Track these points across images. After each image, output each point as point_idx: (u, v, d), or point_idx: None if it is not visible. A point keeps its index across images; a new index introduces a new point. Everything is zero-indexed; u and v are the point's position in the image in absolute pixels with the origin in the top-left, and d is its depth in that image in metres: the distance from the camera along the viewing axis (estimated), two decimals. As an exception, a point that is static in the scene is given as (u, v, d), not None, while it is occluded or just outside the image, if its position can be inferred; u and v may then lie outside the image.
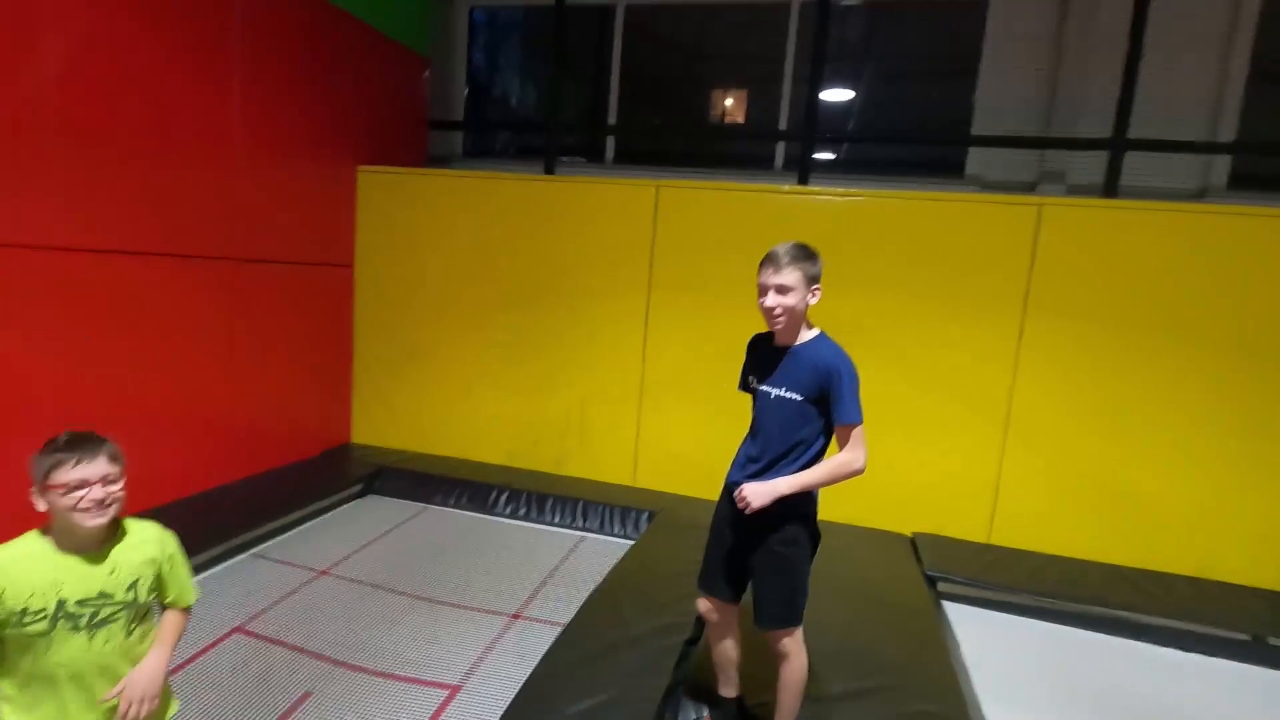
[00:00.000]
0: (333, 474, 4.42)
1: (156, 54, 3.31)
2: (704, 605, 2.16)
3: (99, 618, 1.43)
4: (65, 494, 1.38)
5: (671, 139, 5.53)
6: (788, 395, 1.89)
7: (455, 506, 4.35)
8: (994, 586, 3.48)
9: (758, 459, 1.97)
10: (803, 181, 4.60)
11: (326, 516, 4.08)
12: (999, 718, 2.57)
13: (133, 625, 1.50)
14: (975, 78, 4.64)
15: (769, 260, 1.91)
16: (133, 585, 1.48)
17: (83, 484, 1.39)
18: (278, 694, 2.47)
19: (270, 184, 4.07)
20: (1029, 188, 4.54)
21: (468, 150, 5.76)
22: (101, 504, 1.41)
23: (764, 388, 1.98)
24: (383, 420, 5.02)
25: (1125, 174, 4.23)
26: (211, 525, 3.42)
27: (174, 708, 1.64)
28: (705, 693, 2.38)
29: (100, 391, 3.21)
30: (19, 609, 1.35)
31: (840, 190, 4.08)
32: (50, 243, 2.94)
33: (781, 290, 1.88)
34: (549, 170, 5.12)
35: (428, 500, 4.39)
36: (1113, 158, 4.23)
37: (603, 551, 3.85)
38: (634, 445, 4.55)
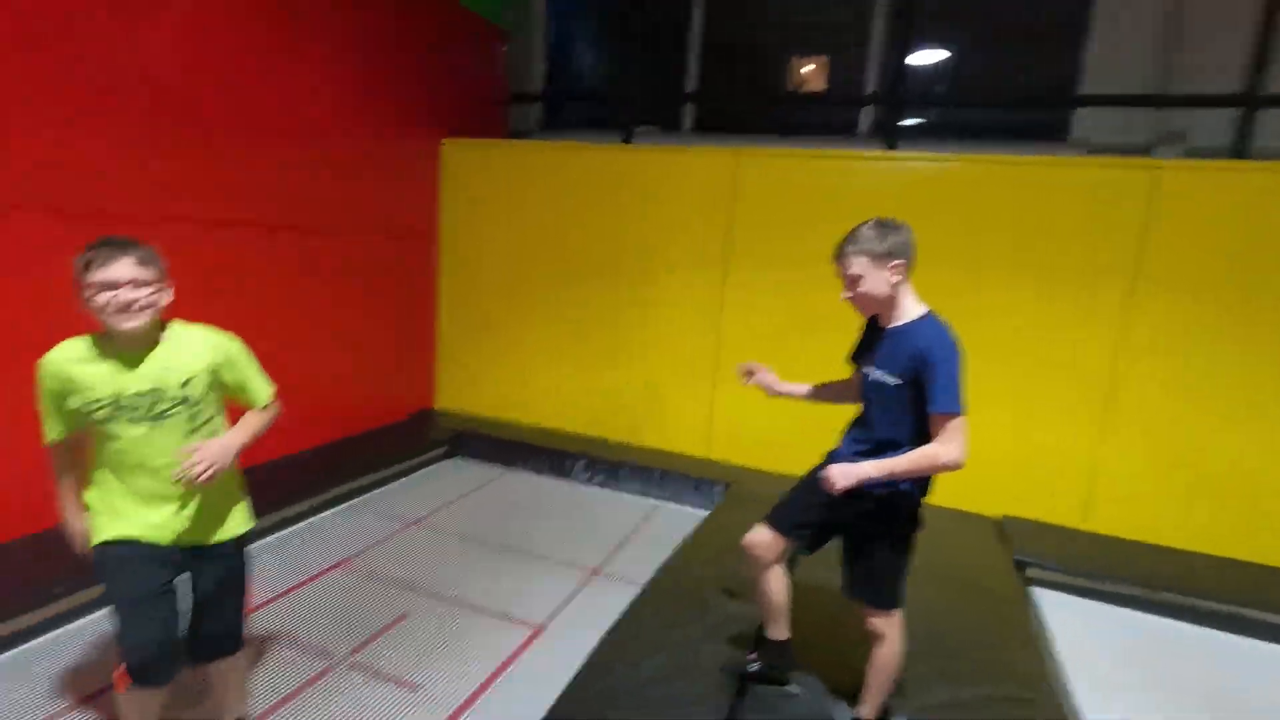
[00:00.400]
0: (419, 437, 4.62)
1: (259, 38, 3.48)
2: (761, 538, 2.10)
3: (156, 411, 1.55)
4: (96, 294, 1.45)
5: (752, 106, 5.39)
6: (884, 378, 1.82)
7: (533, 471, 4.49)
8: (1088, 574, 3.32)
9: (862, 440, 1.92)
10: (889, 147, 4.41)
11: (415, 475, 4.29)
12: (1094, 710, 2.46)
13: (195, 424, 1.61)
14: (1078, 35, 4.30)
15: (835, 254, 1.89)
16: (186, 383, 1.58)
17: (111, 285, 1.45)
18: (378, 613, 2.73)
19: (362, 158, 4.23)
20: (1142, 151, 4.20)
21: (546, 123, 5.79)
22: (128, 307, 1.47)
23: (864, 369, 1.93)
24: (464, 386, 5.19)
25: (1258, 135, 3.86)
26: (313, 478, 3.65)
27: (244, 520, 1.76)
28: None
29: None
30: (90, 397, 1.51)
31: (930, 155, 3.89)
32: (171, 215, 3.16)
33: (852, 282, 1.84)
34: (626, 140, 5.10)
35: (507, 464, 4.54)
36: (1244, 116, 3.85)
37: (678, 519, 3.89)
38: (708, 417, 4.55)
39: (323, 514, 3.59)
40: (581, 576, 3.19)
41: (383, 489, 4.02)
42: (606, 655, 2.30)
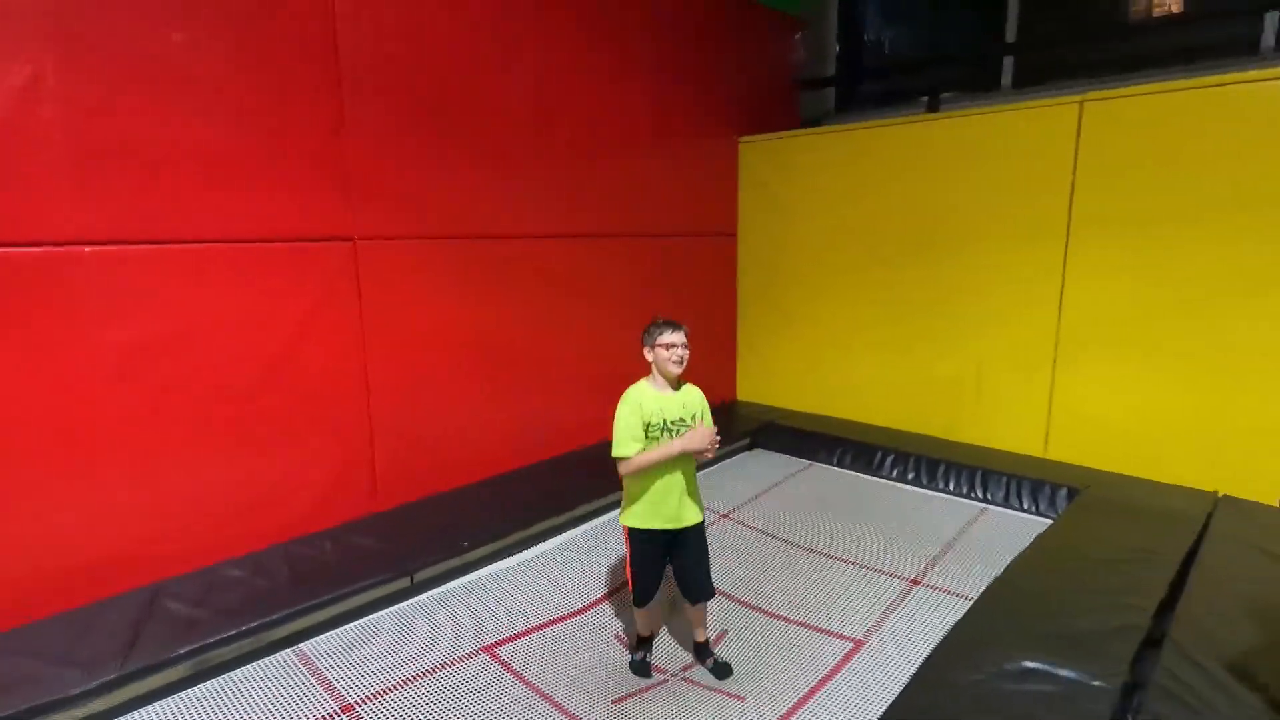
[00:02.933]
0: (722, 428, 4.73)
1: (591, 64, 3.95)
2: None
3: (678, 431, 2.34)
4: (666, 350, 2.35)
5: (1093, 46, 4.54)
6: None
7: (838, 465, 4.35)
8: None
9: None
10: (1313, 59, 3.37)
11: (719, 466, 4.42)
12: None
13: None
14: None
15: None
16: (694, 415, 2.38)
17: (671, 345, 2.35)
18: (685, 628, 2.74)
19: (666, 164, 4.54)
20: None
21: (840, 104, 5.60)
22: (680, 360, 2.36)
23: None
24: (764, 379, 5.26)
25: None
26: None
27: (700, 512, 2.43)
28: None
29: (551, 350, 4.01)
30: (653, 421, 2.34)
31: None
32: (520, 232, 3.75)
33: None
34: (932, 108, 4.68)
35: (811, 457, 4.47)
36: None
37: (1010, 526, 3.45)
38: (1045, 411, 3.95)
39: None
40: (900, 586, 2.99)
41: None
42: (939, 665, 2.13)
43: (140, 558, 2.65)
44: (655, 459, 2.30)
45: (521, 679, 2.44)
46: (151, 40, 2.49)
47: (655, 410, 2.35)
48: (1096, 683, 1.97)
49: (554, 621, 2.81)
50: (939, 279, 4.26)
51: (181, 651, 2.28)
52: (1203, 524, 3.00)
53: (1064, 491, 3.55)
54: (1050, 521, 3.22)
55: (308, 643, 2.54)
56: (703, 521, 2.47)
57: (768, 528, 3.58)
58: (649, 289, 4.52)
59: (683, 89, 4.56)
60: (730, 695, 2.39)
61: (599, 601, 2.97)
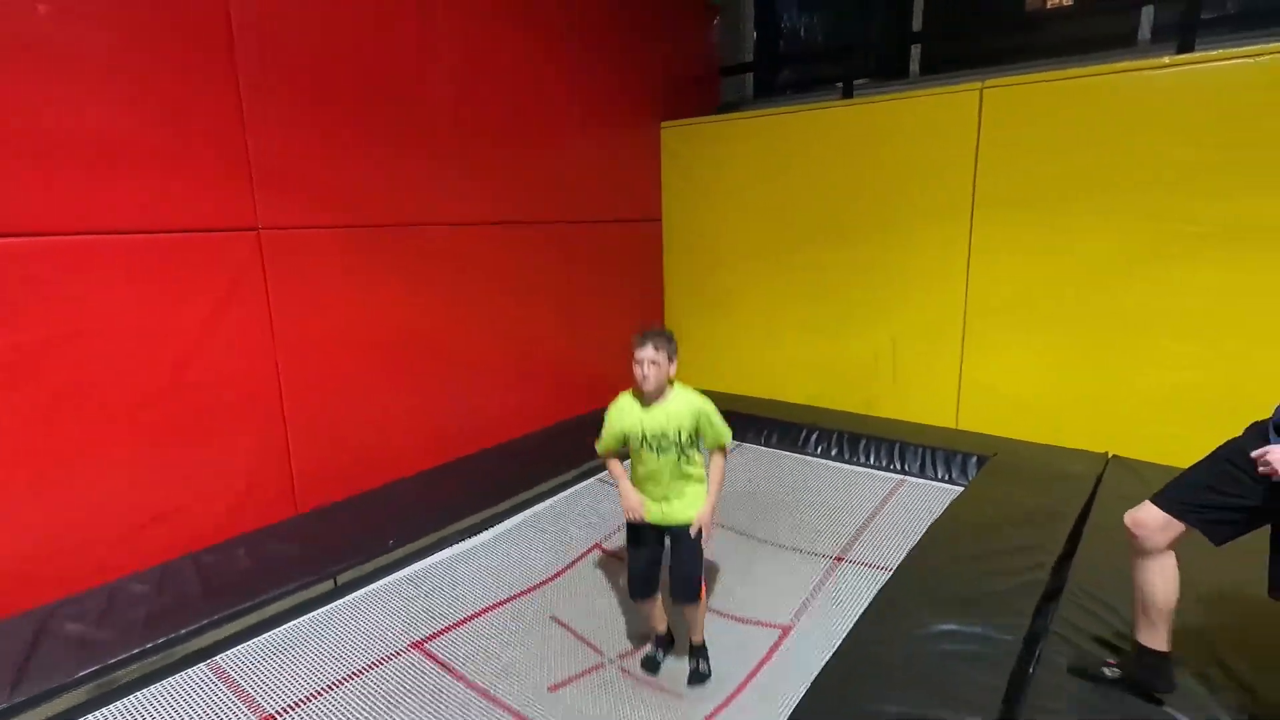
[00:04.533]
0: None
1: (505, 44, 3.85)
2: (1141, 517, 1.76)
3: (660, 446, 2.33)
4: (635, 365, 2.28)
5: (991, 35, 4.76)
6: None
7: (765, 444, 4.46)
8: None
9: None
10: (1184, 49, 3.63)
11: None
12: None
13: (681, 453, 2.34)
14: None
15: None
16: (678, 430, 2.32)
17: (636, 361, 2.27)
18: (633, 615, 2.79)
19: (590, 150, 4.51)
20: None
21: (759, 90, 5.68)
22: (642, 378, 2.28)
23: None
24: (692, 363, 5.32)
25: None
26: (562, 454, 4.00)
27: (687, 515, 2.38)
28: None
29: (477, 341, 3.94)
30: (628, 432, 2.36)
31: (1255, 50, 3.09)
32: (440, 219, 3.65)
33: None
34: (847, 94, 4.82)
35: (739, 438, 4.56)
36: None
37: (927, 495, 3.62)
38: (956, 384, 4.17)
39: (570, 489, 3.83)
40: (825, 565, 3.09)
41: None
42: (865, 633, 2.23)
43: (33, 577, 2.45)
44: (610, 473, 2.50)
45: (454, 673, 2.40)
46: (17, 18, 2.26)
47: (634, 423, 2.35)
48: (1003, 636, 2.11)
49: (488, 610, 2.79)
50: (856, 260, 4.41)
51: (80, 675, 2.13)
52: (1095, 483, 3.25)
53: (974, 460, 3.76)
54: (962, 489, 3.41)
55: (222, 655, 2.42)
56: (689, 529, 2.39)
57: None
58: (575, 276, 4.50)
59: (604, 73, 4.53)
60: (664, 691, 2.42)
61: (535, 588, 2.97)
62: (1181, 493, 1.71)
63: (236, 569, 2.71)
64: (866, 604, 2.43)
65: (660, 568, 2.47)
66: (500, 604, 2.84)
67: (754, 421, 4.54)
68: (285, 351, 3.06)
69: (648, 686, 2.43)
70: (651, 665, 2.52)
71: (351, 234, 3.26)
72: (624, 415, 2.39)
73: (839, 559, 3.14)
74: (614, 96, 4.64)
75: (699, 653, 2.50)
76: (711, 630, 2.61)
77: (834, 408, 4.62)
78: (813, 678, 2.02)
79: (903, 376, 4.37)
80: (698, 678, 2.45)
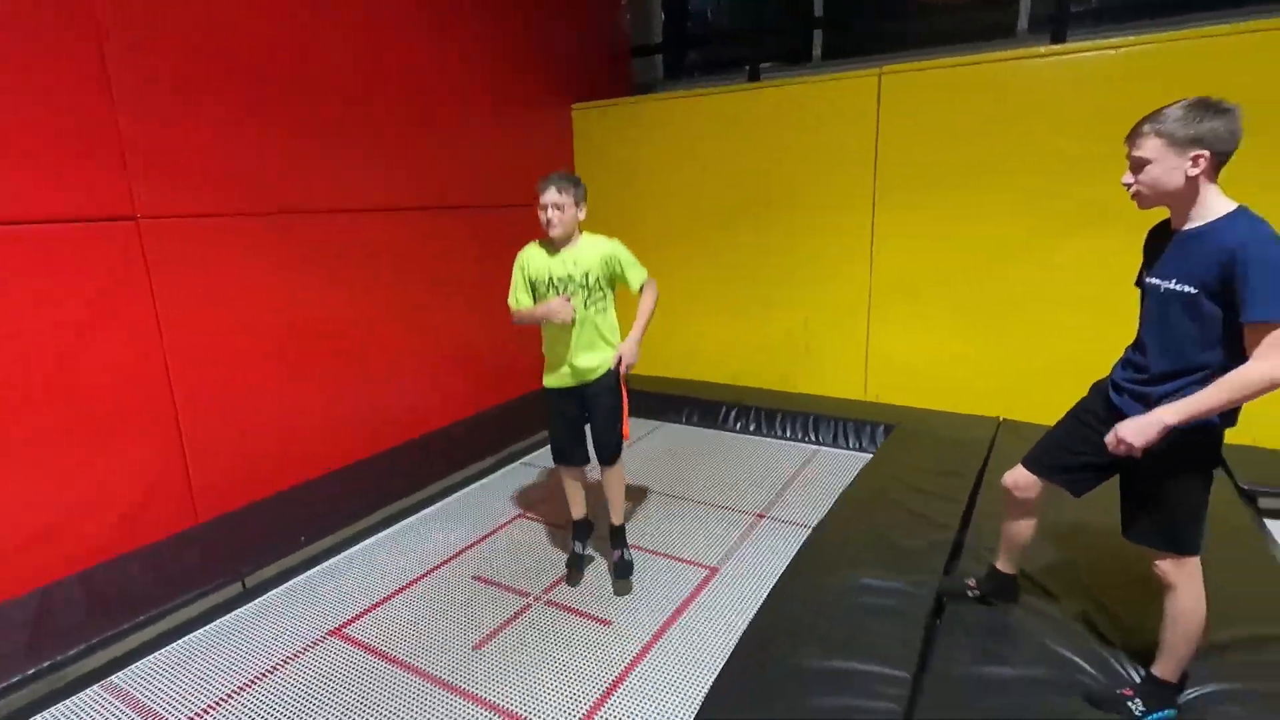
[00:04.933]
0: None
1: (408, 24, 3.69)
2: (1016, 478, 1.93)
3: (568, 290, 2.38)
4: (539, 210, 2.33)
5: (887, 22, 4.95)
6: (1177, 288, 1.53)
7: (687, 423, 4.55)
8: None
9: (1143, 369, 1.65)
10: (1057, 40, 3.91)
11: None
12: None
13: (591, 299, 2.42)
14: None
15: (1129, 132, 1.57)
16: (585, 274, 2.39)
17: (541, 206, 2.32)
18: (562, 558, 2.90)
19: (501, 132, 4.40)
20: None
21: (669, 72, 5.71)
22: (548, 223, 2.33)
23: (1150, 281, 1.63)
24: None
25: None
26: (482, 442, 3.95)
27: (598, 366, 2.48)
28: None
29: (388, 332, 3.80)
30: (536, 277, 2.42)
31: (1117, 42, 3.38)
32: (345, 205, 3.48)
33: (1137, 165, 1.55)
34: (753, 78, 4.91)
35: (660, 418, 4.64)
36: None
37: (840, 463, 3.81)
38: (864, 358, 4.37)
39: (495, 474, 3.85)
40: (748, 520, 3.23)
41: (543, 449, 4.24)
42: (786, 589, 2.33)
43: (-117, 610, 2.20)
44: (525, 318, 2.48)
45: (375, 652, 2.36)
46: None
47: (541, 268, 2.42)
48: (915, 591, 2.25)
49: (408, 586, 2.78)
50: (770, 241, 4.52)
51: (-49, 710, 1.94)
52: (989, 445, 3.49)
53: (881, 429, 3.96)
54: (872, 455, 3.59)
55: (119, 674, 2.26)
56: (611, 378, 2.49)
57: (629, 480, 3.64)
58: (489, 263, 4.36)
59: (513, 53, 4.42)
60: (597, 620, 2.48)
61: (455, 556, 2.99)
62: (1043, 454, 1.90)
63: (130, 584, 2.53)
64: (788, 556, 2.56)
65: (582, 435, 2.58)
66: (420, 578, 2.83)
67: (675, 401, 4.62)
68: (177, 350, 2.85)
69: (577, 621, 2.48)
70: (575, 563, 2.66)
71: (246, 222, 3.06)
72: (530, 262, 2.44)
73: (760, 515, 3.28)
74: (524, 77, 4.54)
75: (620, 541, 2.67)
76: (643, 564, 2.78)
77: (753, 385, 4.75)
78: (738, 622, 2.12)
79: (816, 353, 4.54)
80: (623, 568, 2.59)
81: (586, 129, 5.02)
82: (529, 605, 2.59)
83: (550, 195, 2.31)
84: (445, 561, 2.95)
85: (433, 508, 3.45)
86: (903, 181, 3.99)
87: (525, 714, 2.05)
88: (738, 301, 4.73)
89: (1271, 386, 1.39)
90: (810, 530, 2.83)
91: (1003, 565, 2.11)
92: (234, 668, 2.30)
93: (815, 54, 5.03)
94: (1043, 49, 3.57)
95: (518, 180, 4.56)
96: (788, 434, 4.23)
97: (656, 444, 4.26)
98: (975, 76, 3.70)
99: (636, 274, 2.49)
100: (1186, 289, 1.51)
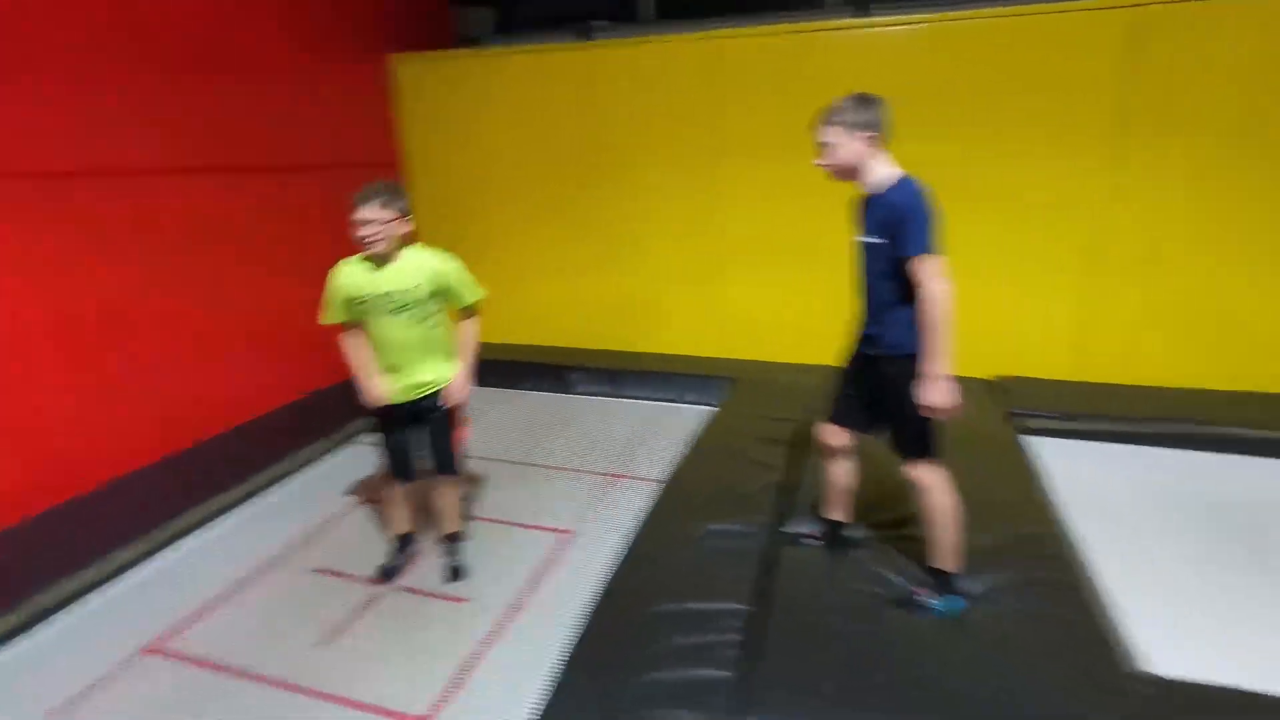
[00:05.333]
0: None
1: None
2: (825, 432, 2.25)
3: (395, 306, 2.24)
4: (354, 228, 2.17)
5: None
6: (871, 239, 1.96)
7: (535, 390, 4.51)
8: (1079, 416, 3.47)
9: (864, 309, 2.08)
10: (860, 13, 4.20)
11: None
12: (1099, 539, 2.58)
13: (424, 315, 2.29)
14: None
15: (813, 123, 2.02)
16: (415, 288, 2.24)
17: (358, 223, 2.15)
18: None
19: (304, 86, 3.97)
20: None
21: (500, 27, 5.44)
22: (364, 239, 2.17)
23: (859, 239, 2.04)
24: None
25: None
26: (320, 422, 3.67)
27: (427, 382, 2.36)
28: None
29: (191, 312, 3.38)
30: (354, 296, 2.25)
31: (903, 18, 3.71)
32: (119, 167, 3.00)
33: (826, 150, 1.97)
34: (582, 35, 4.82)
35: (510, 386, 4.55)
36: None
37: (686, 418, 3.96)
38: (708, 316, 4.54)
39: (338, 454, 3.61)
40: (601, 481, 3.28)
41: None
42: (641, 542, 2.41)
43: None
44: (349, 359, 2.37)
45: (207, 664, 2.15)
46: None
47: (363, 284, 2.25)
48: (753, 531, 2.42)
49: (237, 589, 2.54)
50: (616, 202, 4.51)
51: None
52: (822, 394, 3.79)
53: (726, 383, 4.17)
54: (715, 408, 3.77)
55: None
56: (438, 402, 2.38)
57: (480, 453, 3.57)
58: (304, 230, 3.97)
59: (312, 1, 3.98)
60: (452, 599, 2.43)
61: (291, 551, 2.79)
62: (832, 407, 2.25)
63: None
64: (643, 513, 2.63)
65: (412, 451, 2.47)
66: (253, 578, 2.61)
67: (521, 368, 4.56)
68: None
69: (432, 603, 2.42)
70: (387, 574, 2.51)
71: (-15, 184, 2.54)
72: (349, 278, 2.27)
73: (615, 476, 3.35)
74: (330, 23, 4.12)
75: (452, 548, 2.54)
76: (499, 535, 2.75)
77: (600, 347, 4.78)
78: (597, 580, 2.18)
79: (664, 313, 4.64)
80: (452, 574, 2.50)
81: (412, 83, 4.68)
82: (380, 594, 2.46)
83: (367, 211, 2.15)
84: (281, 557, 2.72)
85: (262, 501, 3.16)
86: (743, 145, 4.13)
87: (378, 702, 1.97)
88: (582, 262, 4.71)
89: (939, 302, 1.78)
90: (661, 485, 2.93)
91: (830, 512, 2.34)
92: (13, 711, 1.98)
93: (649, 14, 5.02)
94: (844, 21, 3.87)
95: (329, 139, 4.18)
96: (636, 394, 4.33)
97: (506, 414, 4.18)
98: (791, 45, 3.89)
99: (472, 291, 2.40)
100: (878, 239, 1.92)
